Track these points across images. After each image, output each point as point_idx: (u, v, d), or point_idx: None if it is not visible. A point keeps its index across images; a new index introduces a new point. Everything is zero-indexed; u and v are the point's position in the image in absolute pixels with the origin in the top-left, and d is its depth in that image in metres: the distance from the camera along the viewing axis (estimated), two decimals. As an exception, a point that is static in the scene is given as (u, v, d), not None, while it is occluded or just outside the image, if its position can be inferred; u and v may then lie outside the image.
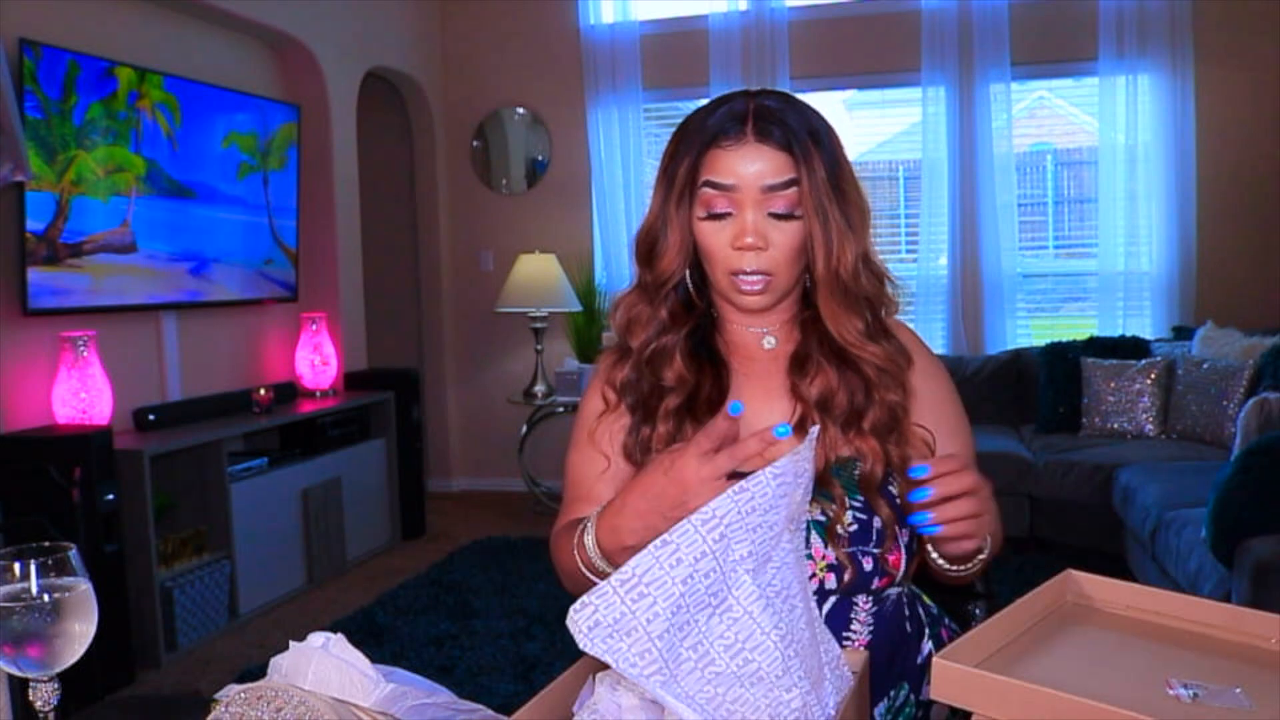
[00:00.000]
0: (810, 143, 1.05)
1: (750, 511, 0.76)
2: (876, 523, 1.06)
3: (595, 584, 1.03)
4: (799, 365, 1.10)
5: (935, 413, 1.14)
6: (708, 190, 1.06)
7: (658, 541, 0.73)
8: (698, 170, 1.06)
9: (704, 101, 1.14)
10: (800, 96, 1.14)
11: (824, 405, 1.08)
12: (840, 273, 1.06)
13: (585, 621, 0.70)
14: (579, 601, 0.71)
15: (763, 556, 0.78)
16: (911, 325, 1.23)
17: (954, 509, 0.90)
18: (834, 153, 1.07)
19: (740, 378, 1.14)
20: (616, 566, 0.98)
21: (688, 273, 1.14)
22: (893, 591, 1.10)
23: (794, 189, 1.04)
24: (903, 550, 1.08)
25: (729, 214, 1.06)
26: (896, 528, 1.07)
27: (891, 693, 1.09)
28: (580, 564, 1.00)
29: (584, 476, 1.19)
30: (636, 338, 1.15)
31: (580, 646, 0.69)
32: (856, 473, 1.06)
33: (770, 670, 0.76)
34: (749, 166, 1.04)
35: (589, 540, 0.98)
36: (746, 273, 1.06)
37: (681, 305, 1.15)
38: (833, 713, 0.80)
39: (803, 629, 0.80)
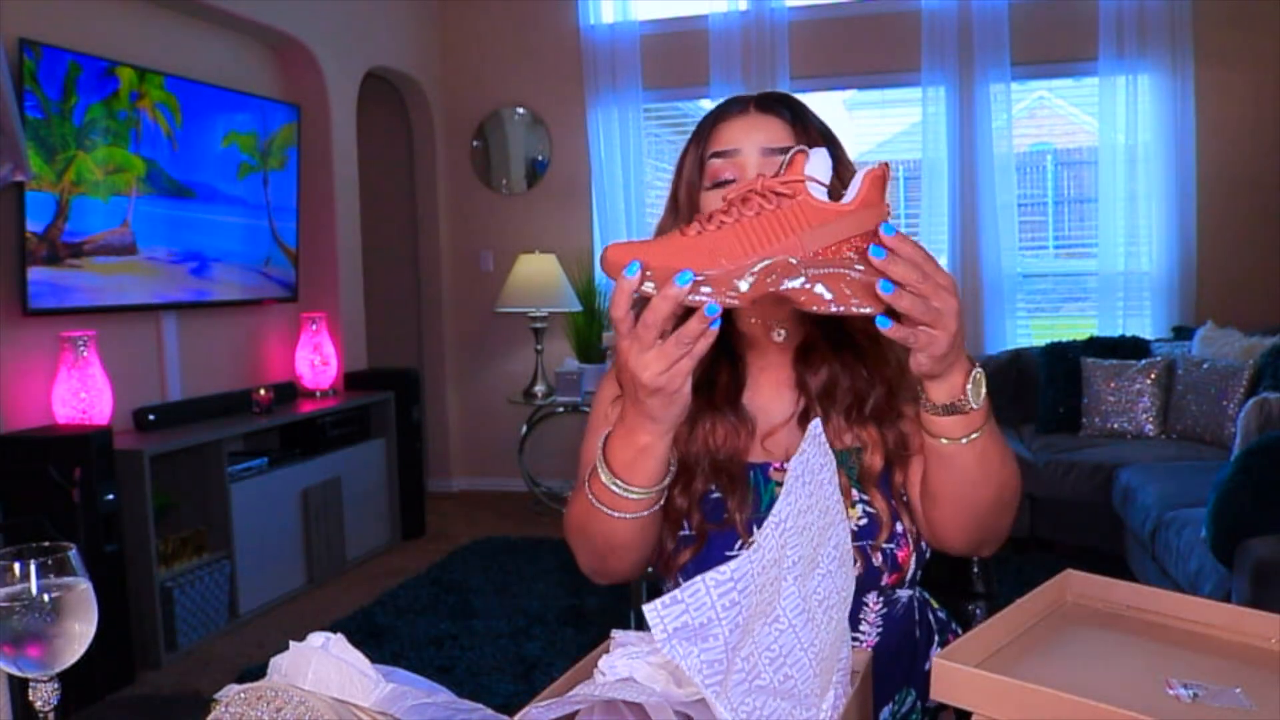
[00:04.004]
0: (813, 125, 1.09)
1: (802, 512, 0.75)
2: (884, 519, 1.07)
3: (610, 518, 0.96)
4: (804, 357, 1.11)
5: None
6: (714, 161, 1.09)
7: (754, 546, 0.70)
8: (704, 149, 1.10)
9: (705, 102, 1.17)
10: (800, 97, 1.16)
11: (828, 394, 1.09)
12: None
13: (672, 621, 0.66)
14: (669, 597, 0.66)
15: (810, 561, 0.77)
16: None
17: (903, 272, 0.80)
18: (836, 149, 1.09)
19: (753, 370, 1.15)
20: (635, 486, 0.93)
21: None
22: (903, 594, 1.10)
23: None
24: (912, 547, 1.08)
25: (732, 180, 1.08)
26: (907, 523, 1.07)
27: (897, 697, 1.08)
28: (593, 499, 0.97)
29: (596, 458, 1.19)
30: None
31: (657, 643, 0.66)
32: (861, 460, 1.07)
33: (804, 688, 0.74)
34: (751, 132, 1.08)
35: (601, 470, 0.96)
36: None
37: None
38: (831, 715, 0.79)
39: (831, 643, 0.78)
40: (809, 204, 0.79)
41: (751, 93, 1.14)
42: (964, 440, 0.92)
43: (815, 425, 0.80)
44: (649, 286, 0.80)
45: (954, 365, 0.88)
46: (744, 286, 0.79)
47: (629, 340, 0.83)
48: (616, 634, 0.83)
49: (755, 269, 0.78)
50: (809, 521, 0.76)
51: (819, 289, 0.79)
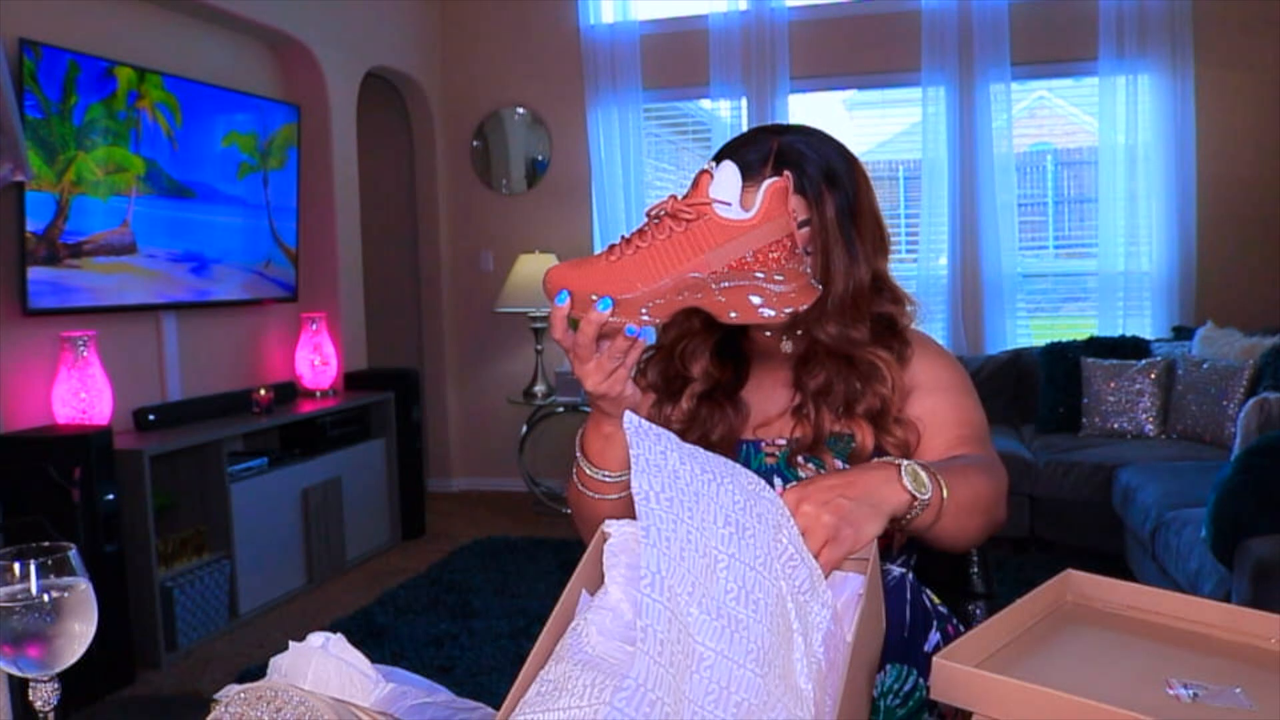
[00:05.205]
0: (825, 185, 1.13)
1: (667, 544, 0.73)
2: None
3: (593, 499, 1.08)
4: (804, 362, 1.20)
5: (932, 400, 1.21)
6: None
7: (641, 632, 0.69)
8: None
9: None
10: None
11: (822, 393, 1.18)
12: (830, 299, 1.13)
13: None
14: None
15: (704, 572, 0.74)
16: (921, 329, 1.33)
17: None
18: (851, 190, 1.15)
19: (756, 371, 1.25)
20: (607, 470, 1.06)
21: None
22: (895, 570, 1.11)
23: (805, 229, 1.12)
24: None
25: None
26: None
27: (891, 670, 1.09)
28: (577, 482, 1.10)
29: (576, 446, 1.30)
30: (667, 334, 1.27)
31: None
32: (853, 445, 1.16)
33: (756, 700, 0.73)
34: None
35: (579, 457, 1.09)
36: None
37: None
38: (817, 686, 0.78)
39: (767, 626, 0.75)
40: (714, 223, 0.88)
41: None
42: (939, 518, 0.97)
43: (629, 419, 0.79)
44: (595, 309, 0.92)
45: (885, 498, 0.93)
46: (659, 305, 0.89)
47: (570, 355, 0.96)
48: (610, 524, 0.83)
49: (668, 288, 0.88)
50: (683, 535, 0.74)
51: (728, 300, 0.89)
